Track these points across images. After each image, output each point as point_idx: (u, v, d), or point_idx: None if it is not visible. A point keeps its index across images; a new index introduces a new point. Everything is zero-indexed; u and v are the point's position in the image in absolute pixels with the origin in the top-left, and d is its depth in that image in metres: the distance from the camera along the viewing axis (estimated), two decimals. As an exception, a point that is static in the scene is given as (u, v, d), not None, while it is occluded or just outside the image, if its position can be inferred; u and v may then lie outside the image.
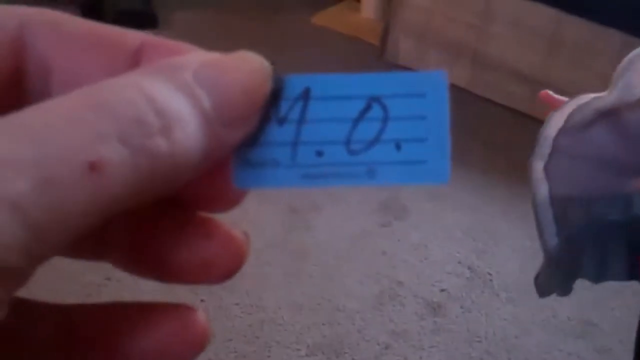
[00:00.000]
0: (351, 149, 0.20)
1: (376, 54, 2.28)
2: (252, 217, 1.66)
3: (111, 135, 0.16)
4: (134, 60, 0.20)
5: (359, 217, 1.73)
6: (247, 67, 0.19)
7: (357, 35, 2.36)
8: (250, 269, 1.54)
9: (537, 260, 0.79)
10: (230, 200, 0.22)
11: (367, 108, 0.20)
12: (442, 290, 1.57)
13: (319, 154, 0.20)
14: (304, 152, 0.20)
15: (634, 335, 0.83)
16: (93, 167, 0.16)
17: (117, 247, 0.22)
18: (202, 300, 1.48)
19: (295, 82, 0.20)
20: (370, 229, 1.69)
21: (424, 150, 0.20)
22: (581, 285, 0.78)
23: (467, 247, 1.68)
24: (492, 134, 2.00)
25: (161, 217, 0.22)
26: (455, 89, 2.15)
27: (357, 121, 0.20)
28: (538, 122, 0.77)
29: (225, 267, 0.21)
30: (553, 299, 0.83)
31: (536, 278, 0.78)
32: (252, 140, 0.20)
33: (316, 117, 0.20)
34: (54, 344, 0.21)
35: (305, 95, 0.20)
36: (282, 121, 0.20)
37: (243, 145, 0.20)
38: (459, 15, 2.12)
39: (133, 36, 0.20)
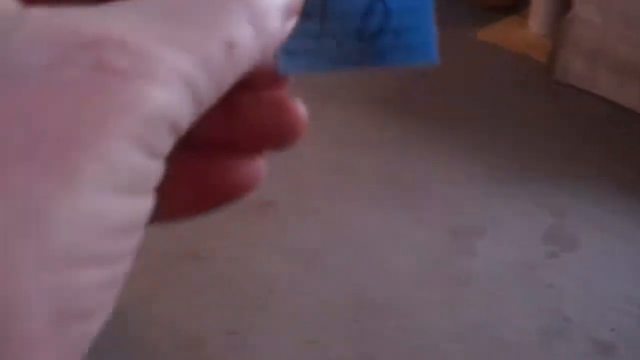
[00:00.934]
0: (363, 38, 0.25)
1: (544, 72, 2.20)
2: (411, 239, 1.64)
3: (243, 17, 0.19)
4: None
5: (524, 244, 1.67)
6: None
7: (524, 52, 2.29)
8: (408, 293, 1.52)
9: None
10: (276, 85, 0.24)
11: (372, 5, 0.24)
12: (612, 329, 1.49)
13: (339, 44, 0.25)
14: (327, 42, 0.25)
15: None
16: (231, 45, 0.19)
17: None
18: (356, 321, 1.47)
19: None
20: (535, 259, 1.63)
21: (416, 36, 0.25)
22: None
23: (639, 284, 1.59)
24: (667, 162, 1.89)
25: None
26: (625, 110, 2.04)
27: (365, 16, 0.25)
28: None
29: (278, 133, 0.24)
30: None
31: None
32: (291, 32, 0.23)
33: (334, 14, 0.24)
34: None
35: None
36: (308, 16, 0.24)
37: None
38: (634, 34, 2.01)
39: None
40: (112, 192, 0.16)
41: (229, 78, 0.19)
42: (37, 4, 0.18)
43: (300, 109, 0.24)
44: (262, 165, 0.25)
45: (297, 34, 0.23)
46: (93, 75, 0.16)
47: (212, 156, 0.24)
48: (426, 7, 0.25)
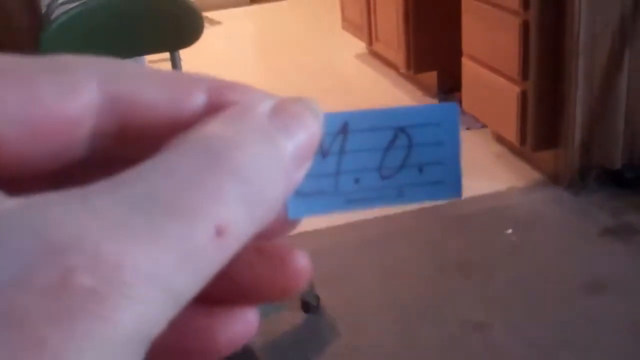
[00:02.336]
0: (383, 174, 0.23)
1: None
2: None
3: (233, 196, 0.17)
4: (206, 100, 0.20)
5: None
6: (311, 112, 0.21)
7: None
8: None
9: None
10: (283, 230, 0.22)
11: (395, 137, 0.22)
12: None
13: (357, 181, 0.22)
14: (344, 181, 0.22)
15: None
16: (220, 231, 0.17)
17: None
18: None
19: (335, 119, 0.22)
20: None
21: (441, 171, 0.23)
22: None
23: None
24: None
25: None
26: None
27: (387, 150, 0.22)
28: None
29: (278, 285, 0.21)
30: None
31: None
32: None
33: (354, 148, 0.22)
34: None
35: (344, 130, 0.22)
36: (325, 154, 0.22)
37: None
38: None
39: (201, 79, 0.20)
40: None
41: (217, 265, 0.17)
42: (22, 188, 0.17)
43: (303, 262, 0.21)
44: (254, 318, 0.22)
45: (309, 173, 0.21)
46: (56, 299, 0.15)
47: (197, 309, 0.20)
48: (453, 140, 0.23)
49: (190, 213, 0.17)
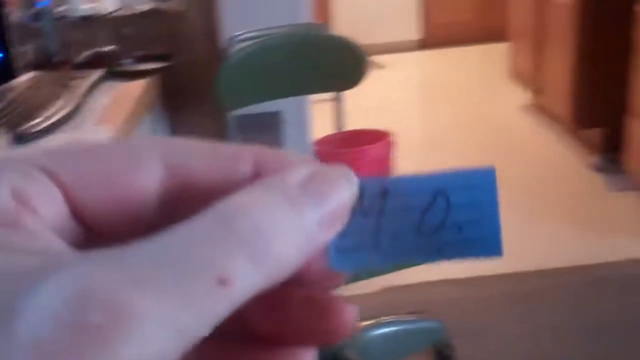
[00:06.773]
0: (422, 232, 0.24)
1: None
2: None
3: (237, 253, 0.19)
4: (252, 169, 0.23)
5: None
6: (346, 181, 0.23)
7: None
8: None
9: None
10: (330, 281, 0.24)
11: (433, 200, 0.24)
12: None
13: (396, 238, 0.24)
14: (384, 238, 0.24)
15: None
16: (223, 281, 0.19)
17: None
18: None
19: (375, 184, 0.24)
20: None
21: (480, 230, 0.24)
22: None
23: None
24: None
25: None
26: None
27: (425, 211, 0.24)
28: None
29: (322, 332, 0.24)
30: None
31: None
32: (343, 231, 0.23)
33: (393, 210, 0.24)
34: None
35: (384, 194, 0.24)
36: (365, 214, 0.24)
37: (337, 236, 0.23)
38: None
39: (248, 150, 0.24)
40: None
41: (221, 310, 0.19)
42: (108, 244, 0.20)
43: (347, 314, 0.23)
44: (310, 358, 0.24)
45: (349, 230, 0.23)
46: (70, 333, 0.17)
47: (257, 348, 0.24)
48: (492, 200, 0.24)
49: (191, 265, 0.19)
